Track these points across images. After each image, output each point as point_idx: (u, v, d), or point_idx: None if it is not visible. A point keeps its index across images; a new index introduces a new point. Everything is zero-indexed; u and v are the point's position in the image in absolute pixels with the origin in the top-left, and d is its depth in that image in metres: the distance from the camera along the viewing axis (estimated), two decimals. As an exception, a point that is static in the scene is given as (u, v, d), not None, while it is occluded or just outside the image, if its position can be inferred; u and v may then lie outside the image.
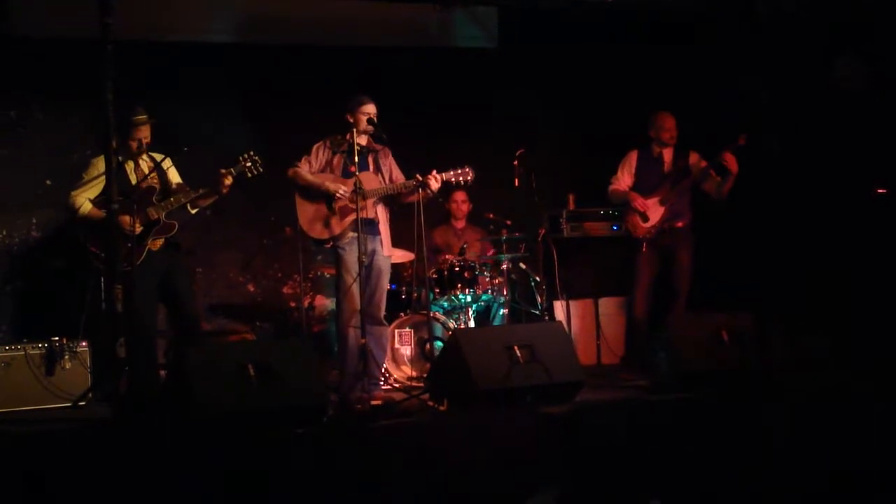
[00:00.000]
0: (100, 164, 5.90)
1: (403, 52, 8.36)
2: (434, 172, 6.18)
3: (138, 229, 5.77)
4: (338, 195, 6.10)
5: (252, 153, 6.03)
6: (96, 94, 4.86)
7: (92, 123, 6.65)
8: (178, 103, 7.32)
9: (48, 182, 7.48)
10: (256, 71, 7.92)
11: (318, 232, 6.20)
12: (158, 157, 6.06)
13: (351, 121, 6.17)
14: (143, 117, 5.99)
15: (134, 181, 5.96)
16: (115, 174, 4.99)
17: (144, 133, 6.01)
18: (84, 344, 6.33)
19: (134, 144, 5.99)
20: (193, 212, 6.16)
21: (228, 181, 5.96)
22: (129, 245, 5.63)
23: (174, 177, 6.20)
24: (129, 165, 6.04)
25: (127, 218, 5.63)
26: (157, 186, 6.06)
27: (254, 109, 7.92)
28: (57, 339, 6.27)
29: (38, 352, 6.22)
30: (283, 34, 8.07)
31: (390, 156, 6.41)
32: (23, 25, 7.34)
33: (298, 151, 6.30)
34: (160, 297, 6.03)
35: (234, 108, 7.93)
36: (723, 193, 6.98)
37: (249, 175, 6.04)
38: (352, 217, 6.02)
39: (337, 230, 6.15)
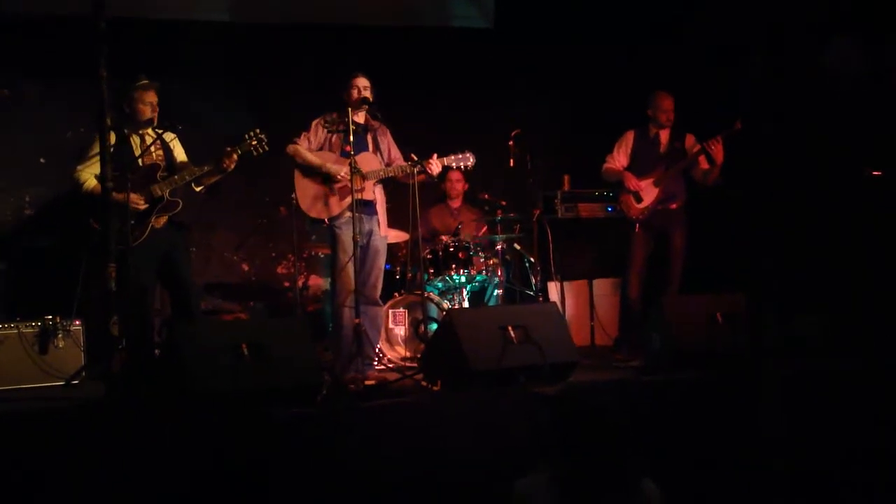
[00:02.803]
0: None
1: (399, 31, 8.32)
2: (434, 157, 6.17)
3: (143, 206, 5.76)
4: (339, 177, 6.08)
5: (258, 131, 5.97)
6: (90, 72, 4.83)
7: (88, 101, 6.62)
8: (172, 81, 7.23)
9: (41, 160, 7.47)
10: (251, 50, 7.90)
11: (316, 211, 6.18)
12: (167, 135, 6.02)
13: (346, 99, 6.15)
14: (146, 81, 5.94)
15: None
16: (110, 152, 4.94)
17: (152, 97, 5.96)
18: (77, 322, 6.32)
19: (147, 109, 5.93)
20: (198, 189, 6.11)
21: (234, 159, 5.91)
22: (132, 222, 5.61)
23: (180, 154, 6.14)
24: (135, 140, 5.99)
25: (132, 194, 5.62)
26: (163, 163, 6.00)
27: (248, 88, 7.89)
28: (50, 317, 6.25)
29: (32, 330, 6.20)
30: (277, 13, 8.03)
31: (388, 134, 6.39)
32: (16, 2, 7.30)
33: (293, 131, 6.27)
34: (160, 276, 6.01)
35: (229, 87, 7.89)
36: (708, 181, 6.97)
37: (255, 153, 5.97)
38: (351, 197, 6.01)
39: (335, 211, 6.14)
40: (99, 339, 5.85)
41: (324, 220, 6.18)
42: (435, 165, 6.15)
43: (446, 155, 6.25)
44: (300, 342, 5.07)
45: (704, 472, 4.96)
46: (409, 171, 6.15)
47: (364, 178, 6.04)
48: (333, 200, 6.14)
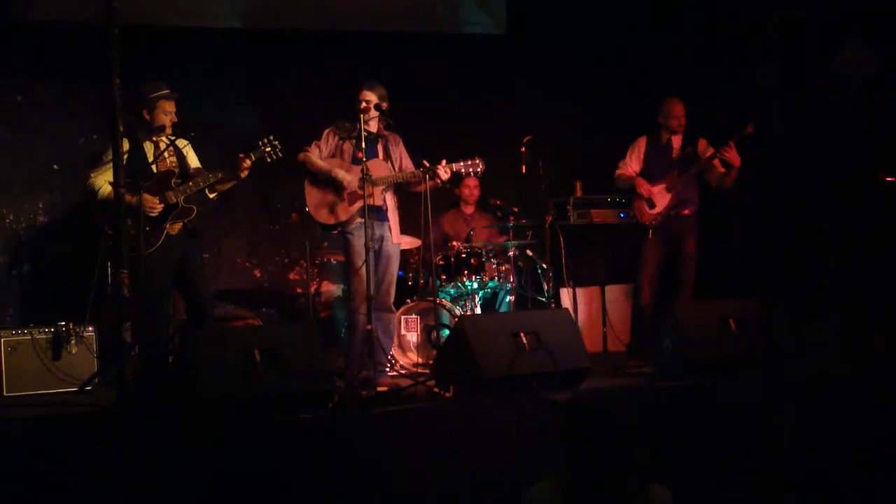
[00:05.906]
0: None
1: (411, 38, 8.33)
2: (444, 163, 6.16)
3: (158, 211, 5.77)
4: (345, 184, 6.10)
5: (272, 137, 5.97)
6: (103, 79, 4.84)
7: (101, 107, 6.66)
8: (184, 88, 7.29)
9: (55, 166, 7.49)
10: (263, 56, 7.91)
11: (325, 217, 6.21)
12: (180, 142, 6.04)
13: (356, 108, 6.15)
14: (167, 91, 5.94)
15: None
16: (123, 158, 4.95)
17: (172, 107, 5.95)
18: (90, 328, 6.34)
19: (165, 119, 5.91)
20: (212, 196, 6.11)
21: (247, 165, 5.91)
22: (147, 229, 5.62)
23: (193, 160, 6.14)
24: (148, 147, 5.98)
25: (149, 197, 5.65)
26: (177, 170, 5.99)
27: (260, 95, 7.91)
28: (63, 323, 6.27)
29: (45, 336, 6.22)
30: (289, 20, 8.05)
31: (401, 143, 6.40)
32: (29, 9, 7.33)
33: (304, 137, 6.29)
34: (174, 283, 6.02)
35: (240, 93, 7.91)
36: (725, 186, 6.96)
37: (269, 160, 5.97)
38: (359, 204, 6.01)
39: (343, 216, 6.15)
40: (112, 345, 5.86)
41: (333, 227, 6.20)
42: (444, 172, 6.14)
43: (455, 161, 6.24)
44: (312, 348, 5.08)
45: (717, 478, 4.94)
46: (418, 177, 6.14)
47: (373, 183, 6.04)
48: (342, 206, 6.15)
